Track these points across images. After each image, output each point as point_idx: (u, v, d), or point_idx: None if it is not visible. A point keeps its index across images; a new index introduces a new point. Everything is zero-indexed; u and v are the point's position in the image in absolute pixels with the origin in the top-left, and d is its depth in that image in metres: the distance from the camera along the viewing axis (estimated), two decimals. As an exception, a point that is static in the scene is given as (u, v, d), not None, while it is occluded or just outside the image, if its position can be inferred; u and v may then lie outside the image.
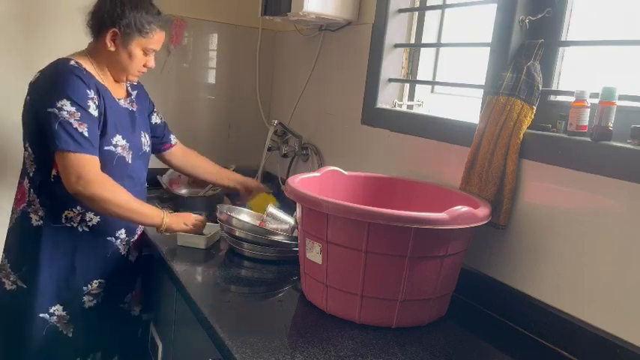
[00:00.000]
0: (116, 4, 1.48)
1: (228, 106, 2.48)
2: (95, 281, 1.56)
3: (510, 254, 1.32)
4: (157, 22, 1.53)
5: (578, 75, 1.34)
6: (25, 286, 1.50)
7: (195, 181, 2.15)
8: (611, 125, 1.12)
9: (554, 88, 1.36)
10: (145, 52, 1.54)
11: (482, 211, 1.20)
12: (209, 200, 2.07)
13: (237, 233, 1.55)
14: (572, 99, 1.20)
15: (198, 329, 1.21)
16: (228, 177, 1.91)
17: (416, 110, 1.83)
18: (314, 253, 1.23)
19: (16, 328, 1.51)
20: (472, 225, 1.16)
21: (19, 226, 1.52)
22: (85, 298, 1.55)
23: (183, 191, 2.13)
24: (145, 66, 1.57)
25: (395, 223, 1.09)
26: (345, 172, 1.53)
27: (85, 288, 1.55)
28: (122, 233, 1.59)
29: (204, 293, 1.32)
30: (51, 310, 1.51)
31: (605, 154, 1.10)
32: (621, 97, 1.13)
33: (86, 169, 1.41)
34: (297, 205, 1.29)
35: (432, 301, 1.22)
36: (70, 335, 1.54)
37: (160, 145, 1.81)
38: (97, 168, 1.44)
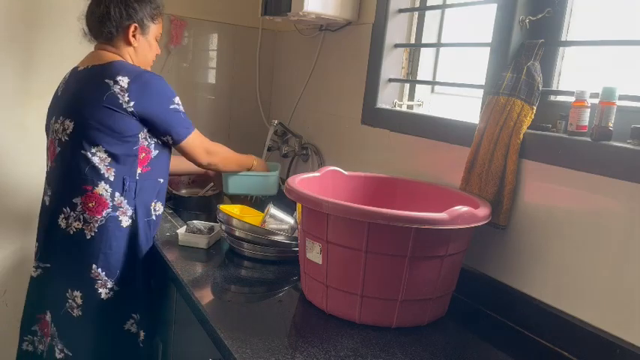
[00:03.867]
0: (127, 3, 1.55)
1: (228, 106, 2.48)
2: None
3: (510, 254, 1.32)
4: (161, 8, 1.65)
5: (578, 75, 1.34)
6: (118, 288, 1.54)
7: (195, 181, 2.15)
8: (611, 125, 1.12)
9: (554, 88, 1.36)
10: (157, 39, 1.66)
11: (483, 211, 1.20)
12: (209, 200, 2.07)
13: (237, 233, 1.55)
14: (572, 99, 1.20)
15: (198, 329, 1.21)
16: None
17: (416, 110, 1.83)
18: (314, 253, 1.23)
19: (117, 328, 1.56)
20: (472, 225, 1.16)
21: (108, 231, 1.51)
22: (152, 281, 1.65)
23: (183, 191, 2.13)
24: (157, 54, 1.70)
25: (395, 223, 1.09)
26: (345, 172, 1.53)
27: (155, 266, 1.63)
28: None
29: (204, 293, 1.31)
30: (151, 296, 1.62)
31: (605, 154, 1.10)
32: (621, 97, 1.13)
33: (205, 142, 1.66)
34: (297, 205, 1.29)
35: (432, 301, 1.22)
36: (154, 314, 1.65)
37: None
38: (206, 138, 1.67)
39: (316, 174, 1.47)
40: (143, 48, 1.61)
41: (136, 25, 1.57)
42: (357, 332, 1.16)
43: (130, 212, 1.54)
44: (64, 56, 1.99)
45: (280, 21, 2.14)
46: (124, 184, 1.51)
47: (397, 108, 1.83)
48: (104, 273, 1.52)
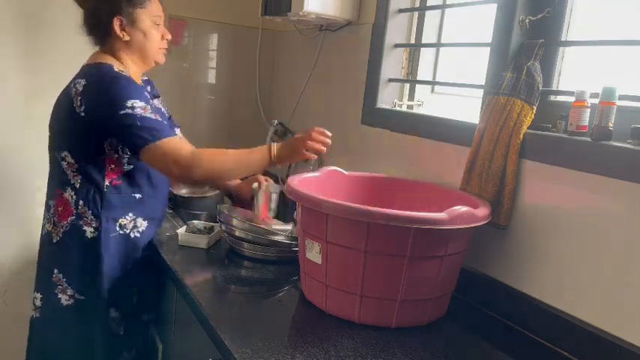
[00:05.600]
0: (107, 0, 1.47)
1: (228, 106, 2.49)
2: (142, 279, 1.59)
3: (510, 254, 1.32)
4: None
5: (578, 75, 1.34)
6: (82, 297, 1.49)
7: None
8: (611, 125, 1.11)
9: (554, 88, 1.36)
10: (155, 22, 1.52)
11: (482, 211, 1.20)
12: (209, 200, 2.07)
13: (237, 233, 1.55)
14: (572, 99, 1.20)
15: (198, 329, 1.21)
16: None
17: (416, 110, 1.83)
18: (313, 253, 1.23)
19: (80, 339, 1.51)
20: (472, 225, 1.16)
21: (71, 239, 1.47)
22: (135, 298, 1.59)
23: (183, 191, 2.12)
24: (163, 39, 1.56)
25: (394, 223, 1.09)
26: (345, 172, 1.53)
27: (134, 289, 1.58)
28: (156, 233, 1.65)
29: (204, 293, 1.31)
30: (111, 315, 1.53)
31: (605, 154, 1.10)
32: (621, 97, 1.13)
33: (177, 153, 1.38)
34: (297, 205, 1.29)
35: (432, 301, 1.22)
36: (122, 333, 1.57)
37: None
38: (183, 147, 1.41)
39: (316, 174, 1.47)
40: (137, 40, 1.50)
41: (120, 17, 1.47)
42: (356, 332, 1.16)
43: (94, 224, 1.47)
44: (66, 57, 1.99)
45: (280, 21, 2.14)
46: (87, 193, 1.46)
47: (397, 108, 1.83)
48: (65, 279, 1.48)
